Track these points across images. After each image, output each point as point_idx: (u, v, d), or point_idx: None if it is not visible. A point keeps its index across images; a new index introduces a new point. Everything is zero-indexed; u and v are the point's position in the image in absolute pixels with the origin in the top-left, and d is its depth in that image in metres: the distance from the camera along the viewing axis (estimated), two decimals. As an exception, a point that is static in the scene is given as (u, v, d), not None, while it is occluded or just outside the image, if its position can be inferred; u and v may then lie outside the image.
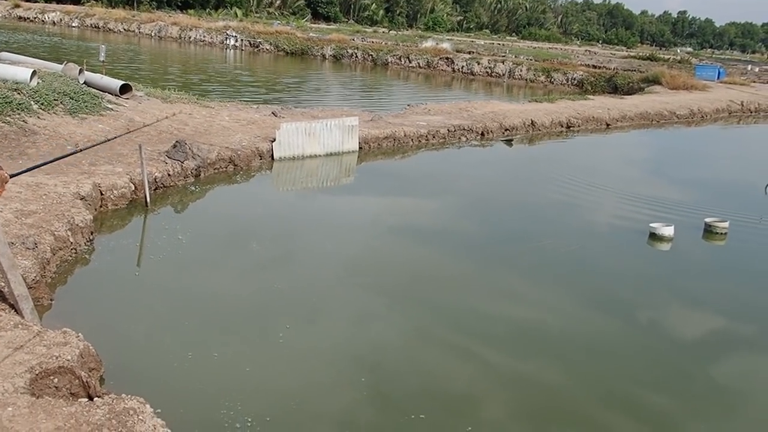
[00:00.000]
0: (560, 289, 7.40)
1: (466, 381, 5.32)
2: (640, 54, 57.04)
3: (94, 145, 5.80)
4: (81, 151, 3.93)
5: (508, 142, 16.62)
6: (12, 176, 2.50)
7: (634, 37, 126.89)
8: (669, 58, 50.70)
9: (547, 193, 11.73)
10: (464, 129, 16.30)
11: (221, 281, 6.75)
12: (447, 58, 40.70)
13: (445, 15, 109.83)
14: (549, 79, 36.85)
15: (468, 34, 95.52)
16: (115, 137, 7.72)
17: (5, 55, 15.50)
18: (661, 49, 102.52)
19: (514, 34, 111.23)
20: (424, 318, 6.41)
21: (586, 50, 66.64)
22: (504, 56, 42.32)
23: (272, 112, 14.95)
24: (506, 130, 17.45)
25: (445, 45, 46.99)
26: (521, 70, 38.05)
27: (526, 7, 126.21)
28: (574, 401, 5.20)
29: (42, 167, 5.80)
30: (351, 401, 4.86)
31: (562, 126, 19.53)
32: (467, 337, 6.04)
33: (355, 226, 9.14)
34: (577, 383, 5.46)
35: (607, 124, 20.97)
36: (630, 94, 29.23)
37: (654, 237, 9.35)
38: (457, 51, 44.29)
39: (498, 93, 31.23)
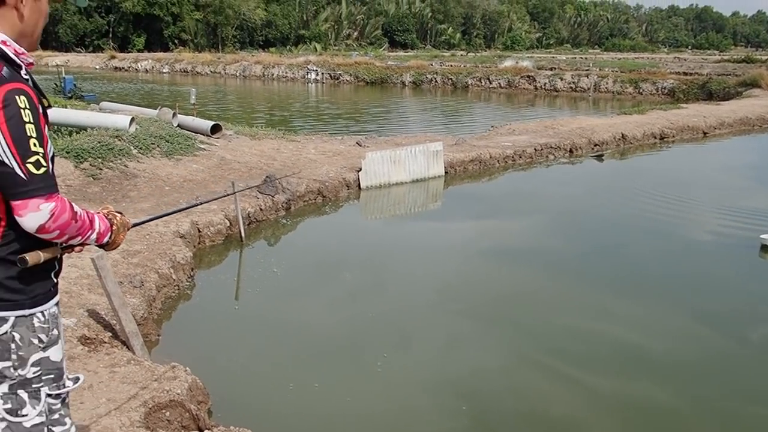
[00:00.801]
0: (663, 307, 7.15)
1: (567, 405, 5.20)
2: (735, 57, 54.99)
3: (216, 198, 6.08)
4: (201, 204, 4.10)
5: (599, 157, 16.31)
6: (134, 225, 2.64)
7: (726, 40, 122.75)
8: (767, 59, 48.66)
9: (643, 208, 11.41)
10: (551, 147, 16.11)
11: (317, 311, 6.86)
12: (528, 76, 40.32)
13: (524, 33, 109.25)
14: (637, 90, 35.97)
15: (548, 50, 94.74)
16: (235, 192, 7.98)
17: (106, 104, 16.35)
18: (757, 50, 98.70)
19: (596, 46, 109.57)
20: (519, 341, 6.33)
21: (675, 57, 64.95)
22: (588, 70, 41.62)
23: (357, 142, 15.17)
24: (596, 145, 17.14)
25: (526, 63, 46.66)
26: (607, 83, 37.29)
27: (607, 18, 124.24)
28: (687, 426, 5.00)
29: (145, 210, 6.08)
30: (453, 429, 4.83)
31: (655, 137, 19.04)
32: (566, 360, 5.91)
33: (445, 251, 9.14)
34: (690, 407, 5.24)
35: (704, 133, 20.30)
36: (726, 100, 28.22)
37: (766, 249, 8.96)
38: (539, 68, 43.83)
39: (584, 108, 30.73)
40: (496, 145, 15.57)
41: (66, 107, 15.64)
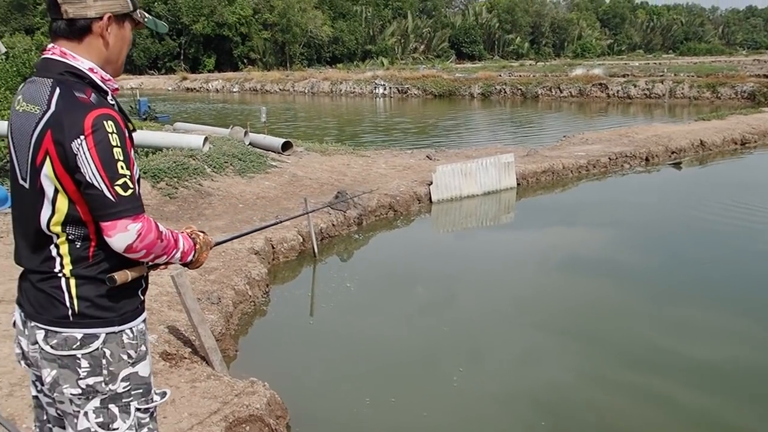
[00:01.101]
0: (745, 321, 6.87)
1: (650, 422, 5.05)
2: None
3: (294, 217, 6.19)
4: (281, 222, 4.17)
5: (676, 165, 15.89)
6: (216, 244, 2.69)
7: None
8: None
9: (723, 218, 11.04)
10: (626, 156, 15.79)
11: (391, 325, 6.87)
12: (600, 84, 39.64)
13: (594, 40, 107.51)
14: (715, 95, 34.90)
15: (620, 56, 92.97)
16: (309, 212, 8.11)
17: (179, 125, 16.82)
18: None
19: (670, 51, 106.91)
20: (596, 354, 6.19)
21: (754, 60, 62.78)
22: (662, 75, 40.65)
23: (427, 156, 15.18)
24: (673, 152, 16.71)
25: (597, 71, 45.90)
26: (683, 88, 36.30)
27: (681, 21, 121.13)
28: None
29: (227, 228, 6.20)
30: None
31: (735, 143, 18.44)
32: (647, 375, 5.74)
33: (518, 263, 9.04)
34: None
35: (789, 137, 19.58)
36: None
37: None
38: (610, 75, 43.02)
39: (659, 114, 30.03)
40: (568, 155, 15.35)
41: (141, 129, 16.14)
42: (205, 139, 12.17)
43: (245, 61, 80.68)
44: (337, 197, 10.38)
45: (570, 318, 7.06)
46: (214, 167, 11.22)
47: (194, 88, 59.35)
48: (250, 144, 13.96)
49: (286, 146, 14.10)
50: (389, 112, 36.89)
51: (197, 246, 2.50)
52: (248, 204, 10.23)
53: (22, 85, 2.28)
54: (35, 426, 2.52)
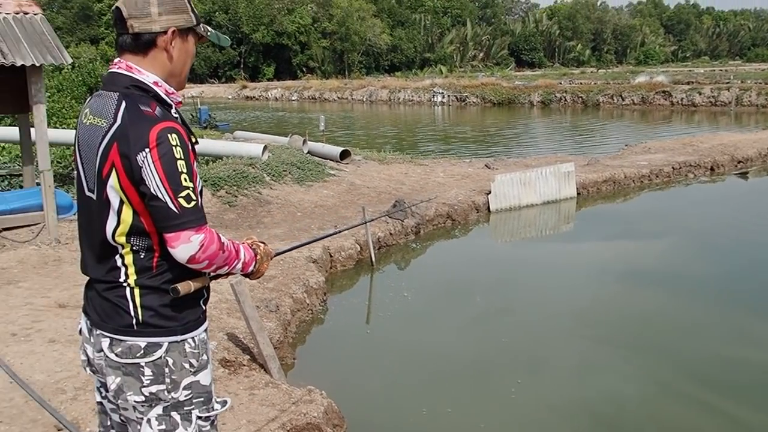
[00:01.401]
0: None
1: None
2: None
3: (352, 227, 6.21)
4: (340, 231, 4.20)
5: (743, 175, 15.45)
6: (276, 254, 2.72)
7: None
8: None
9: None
10: (690, 165, 15.42)
11: (448, 335, 6.83)
12: (663, 92, 38.80)
13: (657, 46, 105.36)
14: (785, 102, 33.84)
15: (684, 63, 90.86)
16: (367, 221, 8.15)
17: (239, 133, 17.10)
18: None
19: (737, 57, 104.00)
20: (660, 369, 6.03)
21: (826, 66, 60.75)
22: (728, 82, 39.59)
23: (485, 165, 15.08)
24: (739, 162, 16.24)
25: (660, 78, 44.98)
26: (750, 96, 35.24)
27: (749, 27, 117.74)
28: None
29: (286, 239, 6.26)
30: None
31: (805, 153, 17.85)
32: (712, 389, 5.59)
33: (578, 274, 8.90)
34: None
35: None
36: None
37: None
38: (674, 83, 42.10)
39: (725, 123, 29.25)
40: (630, 164, 15.06)
41: (202, 137, 16.45)
42: (264, 148, 12.33)
43: (304, 69, 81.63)
44: (394, 206, 10.38)
45: (631, 330, 6.92)
46: (273, 176, 11.36)
47: (254, 97, 60.20)
48: (308, 152, 14.09)
49: (344, 155, 14.19)
50: (448, 120, 36.82)
51: (258, 256, 2.52)
52: (306, 212, 10.32)
53: (89, 98, 2.33)
54: (99, 431, 2.57)
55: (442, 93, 47.50)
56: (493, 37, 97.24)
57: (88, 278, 2.38)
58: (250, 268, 2.48)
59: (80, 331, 2.46)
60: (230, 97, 61.78)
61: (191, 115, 31.30)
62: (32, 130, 8.78)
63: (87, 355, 2.41)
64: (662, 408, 5.33)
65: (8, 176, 11.71)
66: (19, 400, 4.23)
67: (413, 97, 49.33)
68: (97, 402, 2.52)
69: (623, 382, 5.77)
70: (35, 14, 8.13)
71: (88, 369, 2.45)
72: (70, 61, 8.23)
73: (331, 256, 8.68)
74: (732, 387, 5.63)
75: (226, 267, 2.34)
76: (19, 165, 10.69)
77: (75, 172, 2.38)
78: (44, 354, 4.89)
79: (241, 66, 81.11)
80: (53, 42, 7.94)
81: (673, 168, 15.00)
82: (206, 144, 13.52)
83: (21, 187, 9.98)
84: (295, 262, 7.84)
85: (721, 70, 60.90)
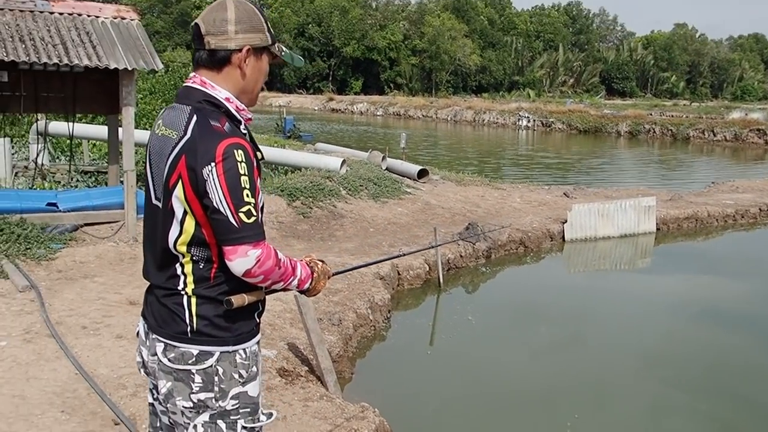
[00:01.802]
0: None
1: None
2: None
3: (418, 251, 6.25)
4: (404, 255, 4.24)
5: (834, 221, 14.74)
6: (335, 274, 2.75)
7: None
8: None
9: None
10: (779, 207, 14.83)
11: (510, 363, 6.75)
12: (758, 129, 37.44)
13: (756, 82, 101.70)
14: None
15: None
16: (437, 245, 8.17)
17: (321, 145, 17.36)
18: None
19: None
20: (732, 413, 5.81)
21: None
22: (829, 123, 37.96)
23: (564, 193, 14.86)
24: (831, 207, 15.51)
25: (756, 115, 43.43)
26: None
27: None
28: None
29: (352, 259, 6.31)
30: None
31: None
32: None
33: (652, 312, 8.64)
34: None
35: None
36: None
37: None
38: (771, 121, 40.59)
39: (822, 165, 28.04)
40: (715, 202, 14.58)
41: (284, 147, 16.78)
42: (343, 162, 12.48)
43: (391, 85, 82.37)
44: (467, 229, 10.33)
45: (703, 373, 6.69)
46: (349, 190, 11.48)
47: (339, 109, 60.99)
48: (387, 169, 14.18)
49: (422, 173, 14.21)
50: (531, 145, 36.45)
51: (315, 275, 2.55)
52: (379, 229, 10.38)
53: (163, 110, 2.42)
54: (149, 431, 2.65)
55: (528, 117, 47.11)
56: (585, 63, 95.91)
57: (149, 283, 2.46)
58: (306, 286, 2.52)
59: (137, 333, 2.54)
60: (316, 108, 62.77)
61: (276, 124, 31.98)
62: (120, 130, 9.13)
63: (142, 358, 2.49)
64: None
65: (96, 173, 12.22)
66: (82, 391, 4.39)
67: (498, 119, 49.09)
68: (149, 403, 2.60)
69: (688, 427, 5.56)
70: (132, 20, 8.49)
71: (142, 371, 2.53)
72: (161, 66, 8.54)
73: (399, 274, 8.70)
74: None
75: (282, 283, 2.39)
76: (106, 163, 11.14)
77: (144, 180, 2.47)
78: (110, 349, 5.06)
79: (330, 78, 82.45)
80: (146, 48, 8.26)
81: (760, 209, 14.44)
82: (286, 154, 13.78)
83: (106, 184, 10.39)
84: (363, 278, 7.88)
85: (823, 110, 58.28)
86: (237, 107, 2.35)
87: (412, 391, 6.03)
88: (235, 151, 2.19)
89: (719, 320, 8.31)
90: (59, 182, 11.49)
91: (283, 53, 2.47)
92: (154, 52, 8.47)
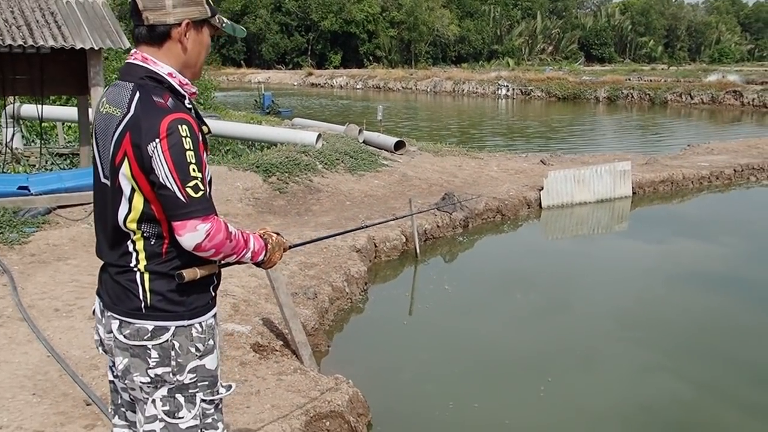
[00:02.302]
0: None
1: None
2: None
3: (381, 222, 6.22)
4: (367, 227, 4.26)
5: (808, 180, 14.90)
6: (292, 246, 2.76)
7: None
8: None
9: None
10: (753, 168, 14.94)
11: (486, 330, 6.81)
12: (734, 92, 37.60)
13: (733, 45, 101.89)
14: None
15: (761, 63, 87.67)
16: (402, 217, 8.16)
17: (298, 120, 17.29)
18: None
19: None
20: (713, 374, 5.89)
21: None
22: (804, 83, 38.15)
23: (541, 161, 14.91)
24: (806, 166, 15.67)
25: (733, 77, 43.58)
26: (828, 98, 33.82)
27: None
28: None
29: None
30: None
31: None
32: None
33: (628, 275, 8.73)
34: None
35: None
36: None
37: None
38: (747, 82, 40.71)
39: (798, 125, 28.23)
40: (690, 165, 14.69)
41: (260, 123, 16.70)
42: (319, 136, 12.44)
43: (371, 58, 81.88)
44: (444, 199, 10.36)
45: (679, 336, 6.75)
46: (326, 164, 11.46)
47: (319, 84, 60.62)
48: (364, 142, 14.14)
49: (399, 145, 14.20)
50: (510, 113, 36.46)
51: (268, 247, 2.56)
52: (356, 202, 10.39)
53: (107, 87, 2.41)
54: (111, 408, 2.68)
55: (507, 86, 47.05)
56: (563, 30, 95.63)
57: (103, 262, 2.47)
58: (260, 258, 2.53)
59: (93, 312, 2.55)
60: (296, 83, 62.36)
61: (255, 100, 31.78)
62: (90, 111, 9.05)
63: (99, 335, 2.51)
64: (700, 414, 5.22)
65: (71, 155, 12.12)
66: (53, 374, 4.40)
67: (477, 89, 49.01)
68: (110, 380, 2.61)
69: (664, 389, 5.64)
70: (97, -1, 8.37)
71: (100, 348, 2.54)
72: (129, 45, 8.46)
73: (375, 247, 8.73)
74: None
75: (234, 256, 2.40)
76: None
77: (92, 159, 2.46)
78: (83, 330, 5.07)
79: (309, 53, 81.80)
80: (113, 27, 8.18)
81: (734, 170, 14.57)
82: (261, 130, 13.72)
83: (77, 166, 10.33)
84: (339, 250, 7.91)
85: (799, 70, 58.56)
86: (180, 82, 2.34)
87: (388, 362, 6.08)
88: (179, 126, 2.18)
89: (697, 282, 8.40)
90: (34, 166, 11.40)
91: (224, 25, 2.46)
92: (120, 30, 8.39)
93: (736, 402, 5.39)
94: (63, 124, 14.45)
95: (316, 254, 7.63)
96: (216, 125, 13.31)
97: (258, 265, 2.58)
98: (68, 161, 11.82)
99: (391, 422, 4.94)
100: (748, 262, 9.25)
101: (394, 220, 6.87)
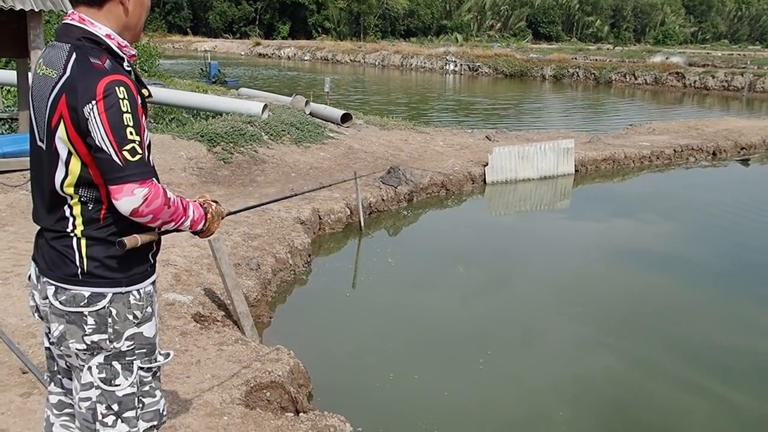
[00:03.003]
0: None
1: (702, 421, 4.97)
2: None
3: (308, 191, 6.18)
4: (296, 195, 4.23)
5: (744, 161, 15.35)
6: (228, 214, 2.74)
7: None
8: None
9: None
10: (692, 149, 15.34)
11: (427, 304, 6.89)
12: (677, 73, 38.41)
13: (677, 27, 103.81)
14: (801, 91, 33.36)
15: (703, 45, 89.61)
16: (328, 185, 8.16)
17: (244, 90, 17.07)
18: None
19: (758, 42, 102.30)
20: (650, 350, 6.06)
21: None
22: (744, 67, 39.10)
23: (486, 136, 15.03)
24: (742, 149, 16.14)
25: (676, 59, 44.48)
26: (764, 82, 34.72)
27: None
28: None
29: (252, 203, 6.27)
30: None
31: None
32: (702, 372, 5.64)
33: (568, 252, 8.90)
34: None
35: None
36: None
37: None
38: (690, 65, 41.62)
39: (736, 108, 28.98)
40: (632, 144, 15.00)
41: (206, 92, 16.42)
42: (265, 107, 12.31)
43: (319, 29, 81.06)
44: (389, 173, 10.39)
45: (616, 311, 6.94)
46: (271, 135, 11.36)
47: (266, 54, 59.85)
48: (310, 113, 14.05)
49: (346, 118, 14.15)
50: (457, 89, 36.60)
51: (208, 215, 2.54)
52: (301, 173, 10.34)
53: (44, 48, 2.35)
54: (47, 376, 2.64)
55: (455, 61, 47.18)
56: (512, 7, 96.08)
57: (39, 227, 2.42)
58: (199, 227, 2.51)
59: (29, 277, 2.51)
60: (243, 53, 61.46)
61: (201, 69, 31.23)
62: (30, 75, 8.77)
63: (35, 301, 2.47)
64: (633, 388, 5.38)
65: (9, 119, 11.75)
66: (-12, 341, 4.31)
67: (425, 63, 49.04)
68: (45, 348, 2.58)
69: (597, 362, 5.81)
70: (36, -41, 8.08)
71: (36, 315, 2.50)
72: (71, 8, 8.20)
73: (320, 219, 8.72)
74: (728, 372, 5.67)
75: (173, 223, 2.37)
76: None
77: (28, 122, 2.40)
78: (20, 298, 4.96)
79: (257, 23, 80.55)
80: (53, -12, 7.91)
81: (674, 150, 14.93)
82: (206, 99, 13.51)
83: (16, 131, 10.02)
84: (283, 222, 7.88)
85: (739, 54, 59.98)
86: (119, 44, 2.29)
87: (330, 334, 6.11)
88: (117, 88, 2.14)
89: (635, 260, 8.61)
90: (-31, 130, 11.03)
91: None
92: (60, -8, 8.12)
93: (668, 377, 5.57)
94: (2, 87, 13.98)
95: (260, 225, 7.59)
96: (160, 93, 13.04)
97: (196, 233, 2.56)
98: (6, 126, 11.44)
99: (331, 393, 4.98)
100: (685, 242, 9.53)
101: (321, 188, 6.88)
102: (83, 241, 2.29)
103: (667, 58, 44.90)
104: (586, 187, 12.68)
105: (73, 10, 2.30)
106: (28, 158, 2.48)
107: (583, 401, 5.19)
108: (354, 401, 4.91)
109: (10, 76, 12.53)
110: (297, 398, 4.47)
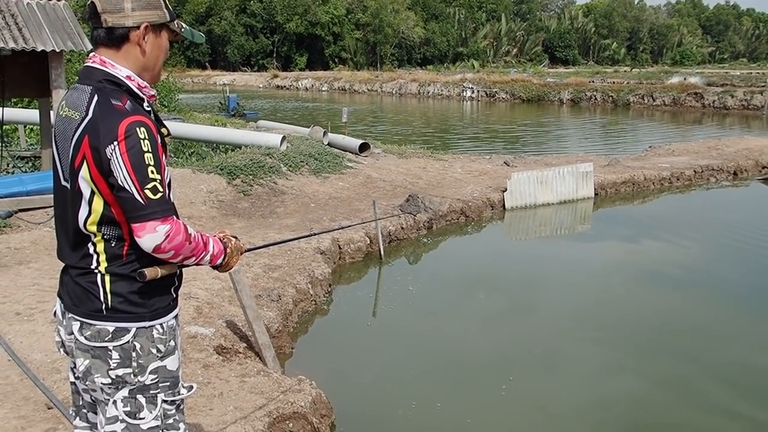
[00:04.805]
0: None
1: None
2: None
3: (327, 231, 6.24)
4: (315, 234, 4.29)
5: (766, 180, 15.25)
6: (247, 250, 2.79)
7: None
8: None
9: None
10: (713, 169, 15.25)
11: (449, 331, 6.88)
12: (695, 93, 38.30)
13: (694, 47, 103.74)
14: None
15: (721, 65, 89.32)
16: (347, 226, 8.19)
17: (262, 122, 17.27)
18: None
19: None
20: (676, 372, 6.00)
21: None
22: (763, 86, 38.89)
23: (504, 162, 15.06)
24: (763, 167, 16.01)
25: (694, 79, 44.34)
26: (785, 100, 34.51)
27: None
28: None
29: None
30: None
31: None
32: (731, 395, 5.58)
33: (590, 276, 8.87)
34: None
35: None
36: None
37: None
38: (708, 84, 41.45)
39: (757, 127, 28.80)
40: (652, 166, 14.95)
41: (225, 125, 16.62)
42: (283, 138, 12.45)
43: (336, 60, 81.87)
44: (408, 201, 10.43)
45: (640, 335, 6.87)
46: (290, 166, 11.46)
47: (284, 86, 60.42)
48: (328, 144, 14.18)
49: (364, 147, 14.25)
50: (474, 115, 36.70)
51: (227, 250, 2.59)
52: (320, 204, 10.41)
53: (67, 91, 2.43)
54: (72, 410, 2.68)
55: (472, 88, 47.36)
56: (528, 33, 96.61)
57: (64, 264, 2.48)
58: (219, 261, 2.56)
59: (54, 313, 2.56)
60: (261, 86, 62.09)
61: (220, 102, 31.60)
62: (52, 113, 8.97)
63: (60, 337, 2.52)
64: (659, 413, 5.33)
65: (33, 158, 11.97)
66: (14, 378, 4.37)
67: (442, 91, 49.25)
68: (71, 382, 2.62)
69: (624, 387, 5.75)
70: (59, 1, 8.30)
71: (61, 350, 2.55)
72: (90, 47, 8.39)
73: (340, 248, 8.76)
74: (754, 392, 5.62)
75: (193, 258, 2.42)
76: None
77: (52, 162, 2.47)
78: (44, 334, 5.03)
79: (274, 55, 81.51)
80: (74, 28, 8.11)
81: (695, 171, 14.86)
82: (226, 133, 13.68)
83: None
84: (303, 252, 7.93)
85: (758, 72, 59.74)
86: (139, 85, 2.37)
87: (352, 363, 6.12)
88: (138, 128, 2.21)
89: (657, 282, 8.55)
90: (-5, 169, 11.24)
91: (182, 30, 2.49)
92: (82, 33, 8.32)
93: (694, 401, 5.52)
94: (25, 126, 14.26)
95: (280, 256, 7.64)
96: (180, 127, 13.25)
97: (216, 268, 2.61)
98: (30, 164, 11.66)
99: (354, 423, 4.98)
100: (708, 263, 9.45)
101: (340, 229, 6.97)
102: (107, 278, 2.34)
103: (685, 79, 44.78)
104: (606, 210, 12.64)
105: (94, 53, 2.38)
106: (51, 196, 2.55)
107: (608, 427, 5.15)
108: (377, 430, 4.91)
109: (32, 115, 12.79)
110: (319, 428, 4.49)
